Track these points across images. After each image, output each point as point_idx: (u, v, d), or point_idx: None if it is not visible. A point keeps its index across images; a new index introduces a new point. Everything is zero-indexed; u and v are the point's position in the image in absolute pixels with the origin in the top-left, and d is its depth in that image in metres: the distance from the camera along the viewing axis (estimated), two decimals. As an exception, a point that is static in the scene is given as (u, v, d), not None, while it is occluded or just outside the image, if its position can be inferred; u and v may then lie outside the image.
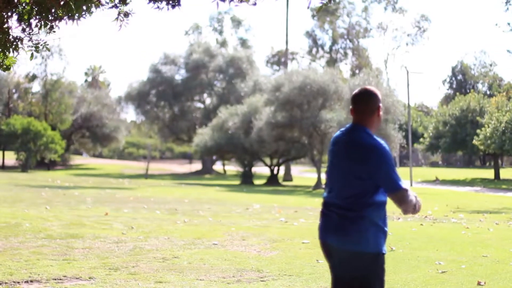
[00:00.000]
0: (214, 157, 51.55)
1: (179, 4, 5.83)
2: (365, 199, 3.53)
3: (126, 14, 5.96)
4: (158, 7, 5.76)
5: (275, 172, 40.88)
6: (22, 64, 62.84)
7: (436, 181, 42.21)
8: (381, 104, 3.69)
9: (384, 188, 3.54)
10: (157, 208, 16.59)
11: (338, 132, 3.79)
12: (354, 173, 3.55)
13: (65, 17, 5.88)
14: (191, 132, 53.18)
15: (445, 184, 39.62)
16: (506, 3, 27.61)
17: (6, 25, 6.10)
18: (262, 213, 16.20)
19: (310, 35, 79.19)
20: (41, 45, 6.06)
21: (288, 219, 13.89)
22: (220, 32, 76.22)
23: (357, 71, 63.17)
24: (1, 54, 6.31)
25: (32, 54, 6.28)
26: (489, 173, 46.58)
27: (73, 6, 5.64)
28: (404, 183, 3.58)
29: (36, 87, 59.00)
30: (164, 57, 56.60)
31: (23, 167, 45.83)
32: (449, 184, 39.52)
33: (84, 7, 5.77)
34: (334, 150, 3.73)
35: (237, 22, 76.48)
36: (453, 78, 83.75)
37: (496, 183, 39.82)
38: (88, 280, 6.75)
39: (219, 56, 55.33)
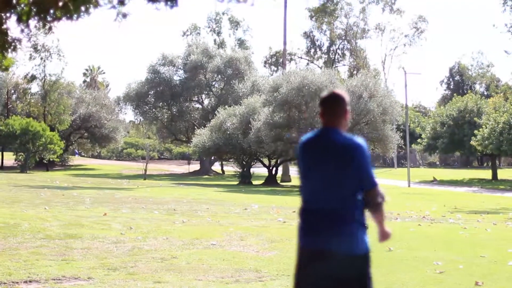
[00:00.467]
0: (212, 158, 51.50)
1: (176, 5, 5.85)
2: (354, 200, 3.54)
3: (124, 15, 5.98)
4: (156, 8, 5.78)
5: (273, 172, 40.88)
6: (21, 65, 62.95)
7: (434, 182, 42.25)
8: (349, 108, 3.70)
9: (365, 184, 3.57)
10: (156, 208, 16.60)
11: (308, 136, 3.74)
12: (341, 174, 3.54)
13: (63, 18, 5.90)
14: (190, 132, 53.14)
15: (442, 184, 39.67)
16: (504, 4, 27.67)
17: (4, 26, 6.12)
18: (260, 213, 16.22)
19: (308, 36, 79.26)
20: (41, 46, 6.09)
21: (286, 219, 13.92)
22: (218, 33, 76.24)
23: (355, 72, 63.18)
24: (0, 55, 6.33)
25: (30, 55, 6.31)
26: (486, 174, 46.62)
27: (71, 7, 5.66)
28: None
29: (34, 87, 59.03)
30: (162, 58, 56.57)
31: (22, 167, 45.79)
32: (446, 184, 39.56)
33: (83, 8, 5.79)
34: (311, 154, 3.66)
35: (235, 23, 76.49)
36: (451, 79, 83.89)
37: (494, 183, 39.88)
38: (87, 280, 6.77)
39: (217, 57, 55.31)
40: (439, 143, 47.03)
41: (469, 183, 40.63)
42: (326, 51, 79.56)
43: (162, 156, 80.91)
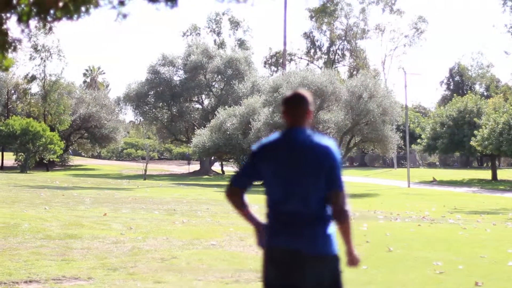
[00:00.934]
0: (212, 158, 51.52)
1: (176, 5, 5.85)
2: (325, 200, 3.46)
3: (125, 16, 5.99)
4: (157, 8, 5.78)
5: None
6: (21, 65, 62.91)
7: (434, 182, 42.25)
8: (312, 109, 3.63)
9: (333, 185, 3.46)
10: (156, 208, 16.60)
11: (268, 140, 3.64)
12: (315, 175, 3.45)
13: (63, 18, 5.90)
14: (189, 133, 53.15)
15: (442, 185, 39.66)
16: (504, 4, 27.68)
17: (5, 26, 6.12)
18: (260, 213, 16.22)
19: (308, 36, 79.31)
20: (41, 46, 6.11)
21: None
22: (218, 34, 76.28)
23: (354, 72, 63.22)
24: (0, 55, 6.34)
25: (31, 55, 6.32)
26: (486, 174, 46.64)
27: (71, 8, 5.67)
28: None
29: (35, 88, 59.08)
30: (162, 58, 56.59)
31: (22, 167, 45.81)
32: (446, 185, 39.56)
33: (83, 8, 5.79)
34: (277, 158, 3.54)
35: (235, 23, 76.53)
36: (451, 79, 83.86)
37: (493, 184, 39.89)
38: (87, 280, 6.77)
39: (217, 57, 55.32)
40: (439, 144, 47.02)
41: (469, 183, 40.63)
42: (326, 51, 79.62)
43: (162, 156, 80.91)
